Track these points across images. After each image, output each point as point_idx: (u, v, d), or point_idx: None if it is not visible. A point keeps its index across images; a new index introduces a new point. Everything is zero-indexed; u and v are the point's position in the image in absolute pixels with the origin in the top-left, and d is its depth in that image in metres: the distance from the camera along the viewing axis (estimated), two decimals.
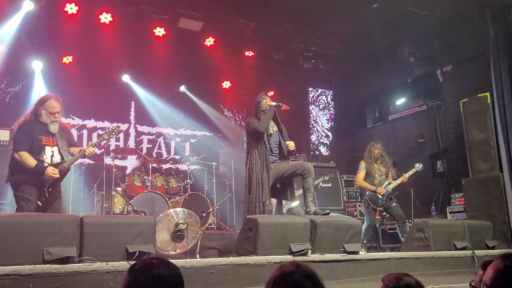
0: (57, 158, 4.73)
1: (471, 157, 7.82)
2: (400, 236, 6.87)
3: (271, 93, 10.52)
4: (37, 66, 8.44)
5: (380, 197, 7.01)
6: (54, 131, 4.77)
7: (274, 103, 5.55)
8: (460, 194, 8.03)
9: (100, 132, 9.35)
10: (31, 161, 4.53)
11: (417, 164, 7.34)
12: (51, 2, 7.75)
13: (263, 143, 5.38)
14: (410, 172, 7.22)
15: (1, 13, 7.60)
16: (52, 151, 4.71)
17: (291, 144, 5.56)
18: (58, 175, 4.62)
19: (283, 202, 5.96)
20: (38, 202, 4.53)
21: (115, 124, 9.05)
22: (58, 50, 8.64)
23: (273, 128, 5.58)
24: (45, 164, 4.59)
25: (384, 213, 8.04)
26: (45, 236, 3.56)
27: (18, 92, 8.54)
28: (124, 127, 9.87)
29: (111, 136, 5.13)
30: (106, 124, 9.55)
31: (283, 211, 6.12)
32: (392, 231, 7.87)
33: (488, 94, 7.67)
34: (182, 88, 10.10)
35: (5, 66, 8.28)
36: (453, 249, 5.56)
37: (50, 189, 4.62)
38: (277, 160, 5.53)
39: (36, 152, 4.60)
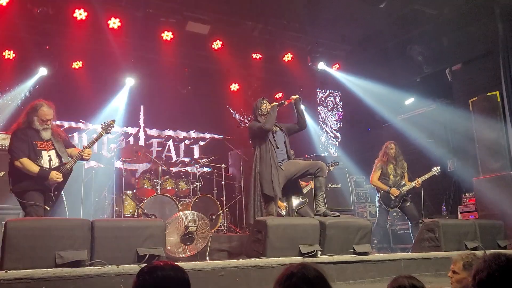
0: (55, 162, 4.68)
1: (481, 156, 7.76)
2: (412, 237, 6.81)
3: (279, 95, 10.55)
4: (47, 71, 8.52)
5: (393, 198, 6.94)
6: (46, 137, 4.70)
7: (276, 103, 5.57)
8: (471, 194, 7.97)
9: (110, 136, 9.41)
10: (34, 167, 4.49)
11: (435, 168, 7.15)
12: (60, 9, 7.82)
13: (269, 142, 5.38)
14: (427, 176, 7.07)
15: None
16: (49, 155, 4.65)
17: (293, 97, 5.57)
18: (62, 179, 4.60)
19: (293, 198, 5.98)
20: (46, 207, 4.53)
21: (129, 129, 9.13)
22: (68, 55, 8.72)
23: (276, 127, 5.59)
24: (45, 168, 4.55)
25: (395, 214, 7.99)
26: (56, 240, 3.60)
27: (29, 98, 8.61)
28: (133, 130, 9.94)
29: (108, 131, 5.04)
30: (116, 128, 9.56)
31: (293, 206, 6.16)
32: (403, 231, 7.83)
33: (497, 92, 7.63)
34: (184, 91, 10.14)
35: (16, 72, 8.38)
36: (464, 249, 5.51)
37: (55, 193, 4.61)
38: (286, 160, 5.52)
39: (33, 158, 4.55)
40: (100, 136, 4.98)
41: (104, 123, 5.01)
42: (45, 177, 4.51)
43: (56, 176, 4.55)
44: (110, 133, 5.20)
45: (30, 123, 4.66)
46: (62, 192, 4.81)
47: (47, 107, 4.72)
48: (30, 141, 4.58)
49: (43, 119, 4.67)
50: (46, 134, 4.70)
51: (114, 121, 5.09)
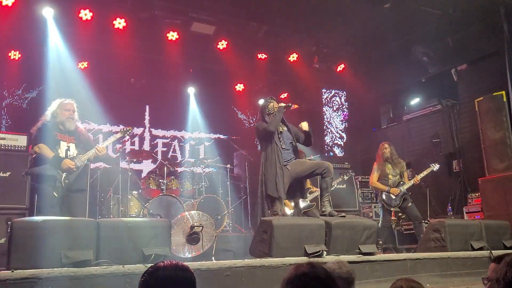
0: (73, 153, 4.87)
1: (487, 156, 7.74)
2: (417, 237, 6.81)
3: (284, 95, 10.54)
4: (53, 72, 8.55)
5: (394, 197, 6.98)
6: (70, 128, 4.94)
7: (283, 104, 5.54)
8: (477, 194, 7.95)
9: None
10: (49, 153, 4.69)
11: (432, 164, 7.25)
12: (66, 9, 7.86)
13: (275, 143, 5.37)
14: (425, 172, 7.17)
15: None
16: (68, 146, 4.86)
17: (304, 125, 5.56)
18: (74, 167, 4.75)
19: (300, 200, 5.98)
20: (54, 193, 4.65)
21: (134, 130, 9.25)
22: (73, 56, 8.74)
23: (282, 127, 5.58)
24: (61, 156, 4.76)
25: (400, 214, 7.98)
26: (62, 239, 3.61)
27: (35, 98, 8.67)
28: (139, 131, 9.96)
29: (125, 135, 5.37)
30: (121, 128, 9.62)
31: (300, 207, 6.16)
32: (408, 231, 7.82)
33: (503, 92, 7.61)
34: (190, 91, 10.16)
35: (21, 72, 8.42)
36: (470, 249, 5.51)
37: (66, 181, 4.71)
38: (293, 159, 5.50)
39: (51, 146, 4.75)
40: (116, 138, 5.35)
41: (124, 128, 5.43)
42: (58, 163, 4.68)
43: (69, 163, 4.72)
44: (128, 136, 5.55)
45: (53, 117, 4.92)
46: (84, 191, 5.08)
47: (68, 100, 5.06)
48: (50, 132, 4.83)
49: (66, 109, 4.94)
50: (70, 125, 4.93)
51: (132, 128, 5.53)
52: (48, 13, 7.75)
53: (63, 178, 4.70)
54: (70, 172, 4.74)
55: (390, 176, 7.09)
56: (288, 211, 6.50)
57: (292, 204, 6.08)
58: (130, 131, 5.42)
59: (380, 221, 7.23)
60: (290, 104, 5.58)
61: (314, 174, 5.47)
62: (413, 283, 2.19)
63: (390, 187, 7.02)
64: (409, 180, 7.15)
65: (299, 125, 5.61)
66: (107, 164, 8.75)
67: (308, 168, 5.44)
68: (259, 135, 5.59)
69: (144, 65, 9.37)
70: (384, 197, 7.09)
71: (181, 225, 6.12)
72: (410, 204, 6.96)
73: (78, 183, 4.89)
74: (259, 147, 7.59)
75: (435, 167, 7.22)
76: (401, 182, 7.06)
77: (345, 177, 7.98)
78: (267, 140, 5.43)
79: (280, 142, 5.43)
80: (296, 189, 5.65)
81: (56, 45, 8.34)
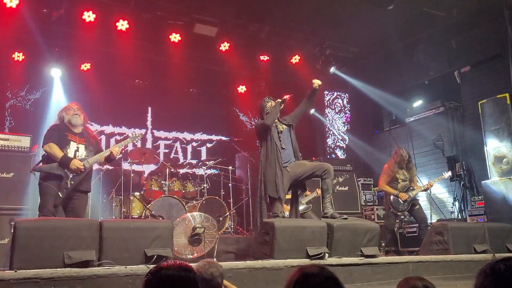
0: (81, 154, 4.97)
1: (490, 158, 7.71)
2: (421, 240, 6.78)
3: (286, 97, 10.51)
4: (56, 73, 8.58)
5: (402, 202, 6.94)
6: (77, 123, 5.07)
7: (279, 100, 5.56)
8: (480, 197, 7.92)
9: (118, 137, 9.47)
10: (58, 152, 4.80)
11: (445, 172, 7.25)
12: (69, 11, 7.87)
13: (274, 142, 5.36)
14: (437, 180, 7.16)
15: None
16: (77, 147, 4.97)
17: (316, 81, 5.66)
18: (82, 168, 4.83)
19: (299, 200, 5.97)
20: (59, 193, 4.70)
21: (137, 131, 9.32)
22: (76, 57, 8.78)
23: (282, 126, 5.57)
24: (70, 156, 4.85)
25: (403, 217, 7.96)
26: (65, 240, 3.63)
27: (38, 99, 8.70)
28: (141, 132, 9.95)
29: (135, 141, 5.61)
30: (123, 129, 9.66)
31: (299, 209, 6.14)
32: (411, 234, 7.80)
33: (507, 95, 7.58)
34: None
35: (25, 73, 8.44)
36: (473, 252, 5.49)
37: (72, 182, 4.78)
38: (293, 160, 5.50)
39: (61, 146, 4.87)
40: (125, 142, 5.51)
41: (133, 133, 5.64)
42: (67, 163, 4.76)
43: (78, 164, 4.80)
44: (136, 143, 5.78)
45: (61, 119, 5.11)
46: (88, 194, 5.16)
47: (71, 104, 5.30)
48: (61, 132, 4.97)
49: (69, 108, 5.15)
50: (76, 120, 5.08)
51: (141, 134, 5.70)
52: (51, 14, 7.77)
53: (70, 179, 4.77)
54: (78, 173, 4.82)
55: (400, 181, 7.03)
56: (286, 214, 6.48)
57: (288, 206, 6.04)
58: (138, 137, 5.61)
59: (384, 224, 7.20)
60: (285, 98, 5.62)
61: (314, 175, 5.45)
62: (427, 283, 2.16)
63: (399, 191, 6.96)
64: (419, 185, 7.12)
65: (312, 81, 5.72)
66: (109, 166, 8.76)
67: (308, 169, 5.42)
68: (258, 132, 5.59)
69: (147, 66, 9.38)
70: (392, 200, 7.02)
71: (183, 227, 6.10)
72: (417, 206, 6.94)
73: (84, 184, 4.97)
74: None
75: (447, 175, 7.23)
76: (411, 188, 7.00)
77: (339, 179, 7.93)
78: (267, 139, 5.42)
79: (280, 141, 5.42)
80: (296, 192, 5.64)
81: (59, 47, 8.37)
